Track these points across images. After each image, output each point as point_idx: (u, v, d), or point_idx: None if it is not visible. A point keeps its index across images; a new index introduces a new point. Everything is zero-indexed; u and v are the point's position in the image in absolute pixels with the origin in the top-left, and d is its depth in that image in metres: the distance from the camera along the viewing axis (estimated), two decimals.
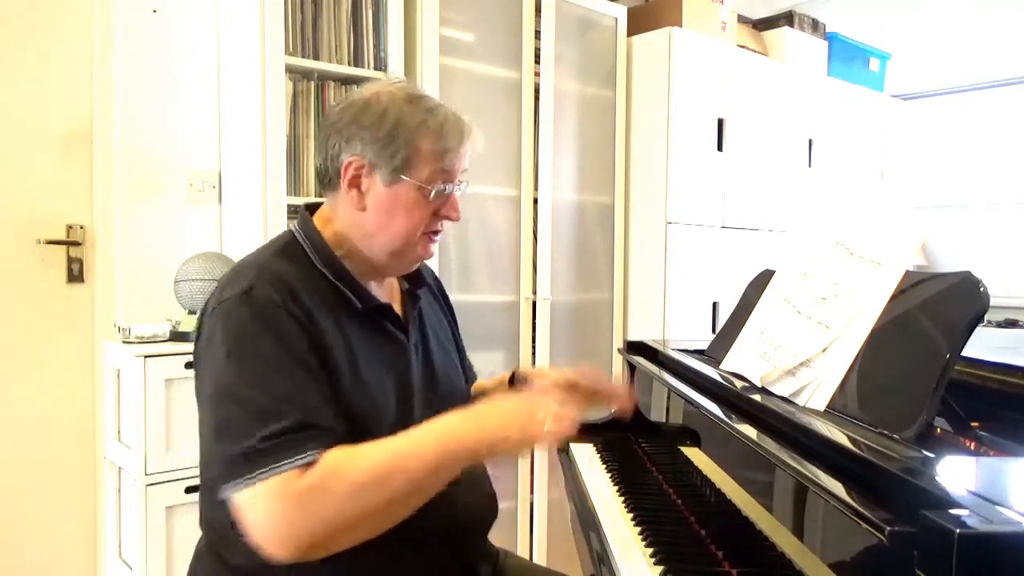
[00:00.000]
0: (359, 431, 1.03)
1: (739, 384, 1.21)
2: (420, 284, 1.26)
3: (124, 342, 1.95)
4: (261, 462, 0.92)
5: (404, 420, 1.10)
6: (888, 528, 0.66)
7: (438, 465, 0.98)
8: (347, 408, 1.04)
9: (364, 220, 1.13)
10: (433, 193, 1.12)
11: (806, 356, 1.09)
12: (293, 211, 2.09)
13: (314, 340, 1.02)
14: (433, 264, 1.96)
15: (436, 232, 1.17)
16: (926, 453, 0.81)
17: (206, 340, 1.03)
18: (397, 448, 0.97)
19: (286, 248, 1.13)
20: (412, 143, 1.10)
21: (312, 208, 1.20)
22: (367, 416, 1.06)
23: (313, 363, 1.00)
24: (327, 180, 1.15)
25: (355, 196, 1.13)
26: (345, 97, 1.17)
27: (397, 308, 1.21)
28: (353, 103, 1.13)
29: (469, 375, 1.42)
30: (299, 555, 0.93)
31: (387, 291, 1.22)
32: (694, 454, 1.29)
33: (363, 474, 0.93)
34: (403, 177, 1.11)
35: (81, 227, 2.15)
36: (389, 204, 1.12)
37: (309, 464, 0.93)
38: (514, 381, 1.41)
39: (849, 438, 0.88)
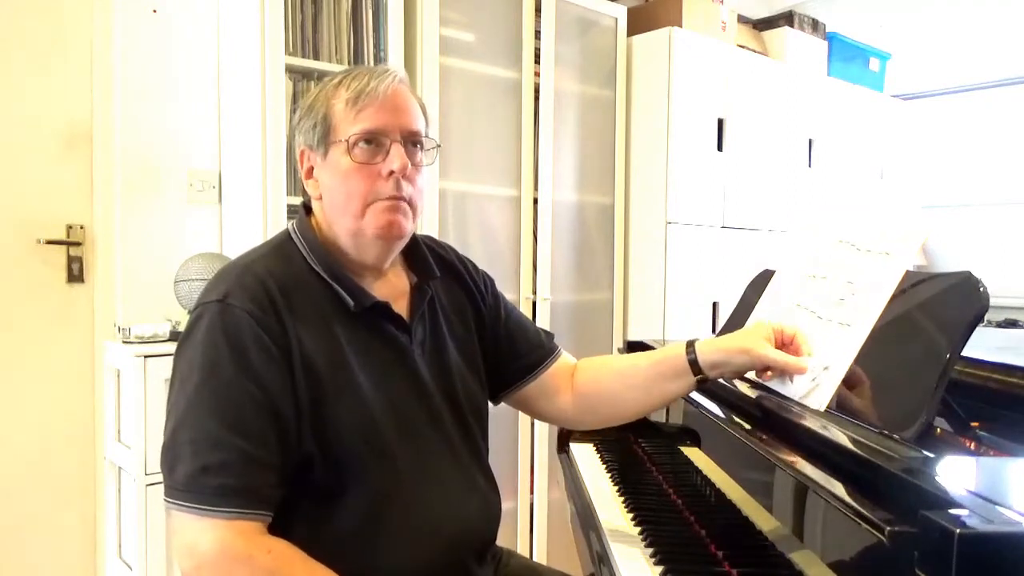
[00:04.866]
0: (351, 438, 1.01)
1: (739, 384, 1.21)
2: (429, 276, 1.18)
3: (124, 342, 1.95)
4: (206, 499, 0.91)
5: (407, 423, 1.07)
6: (888, 528, 0.66)
7: None
8: (332, 417, 1.00)
9: (325, 207, 1.10)
10: (358, 149, 1.05)
11: (819, 358, 1.09)
12: (293, 211, 2.09)
13: (287, 354, 0.99)
14: None
15: (394, 198, 1.06)
16: (926, 453, 0.81)
17: (183, 337, 1.02)
18: None
19: (280, 247, 1.09)
20: (327, 105, 1.07)
21: (311, 206, 1.16)
22: (359, 422, 1.02)
23: (276, 391, 0.97)
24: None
25: (312, 186, 1.11)
26: None
27: (404, 304, 1.14)
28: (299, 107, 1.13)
29: (536, 352, 1.27)
30: None
31: (390, 288, 1.15)
32: (694, 454, 1.29)
33: None
34: (331, 144, 1.07)
35: (81, 227, 2.15)
36: (330, 178, 1.08)
37: (258, 522, 0.93)
38: (699, 369, 1.12)
39: (849, 438, 0.88)
